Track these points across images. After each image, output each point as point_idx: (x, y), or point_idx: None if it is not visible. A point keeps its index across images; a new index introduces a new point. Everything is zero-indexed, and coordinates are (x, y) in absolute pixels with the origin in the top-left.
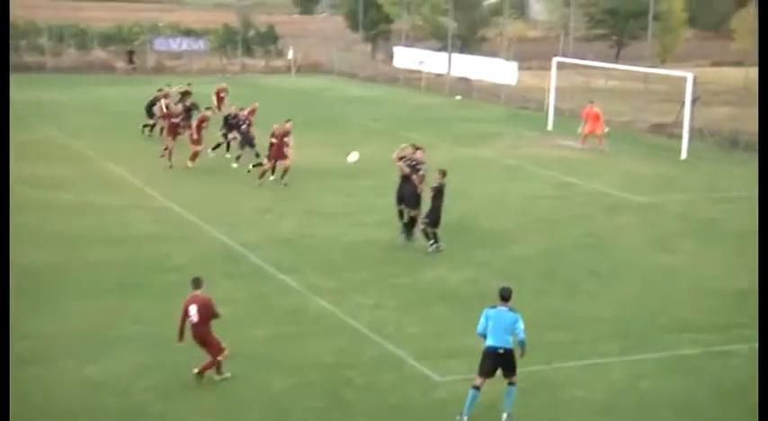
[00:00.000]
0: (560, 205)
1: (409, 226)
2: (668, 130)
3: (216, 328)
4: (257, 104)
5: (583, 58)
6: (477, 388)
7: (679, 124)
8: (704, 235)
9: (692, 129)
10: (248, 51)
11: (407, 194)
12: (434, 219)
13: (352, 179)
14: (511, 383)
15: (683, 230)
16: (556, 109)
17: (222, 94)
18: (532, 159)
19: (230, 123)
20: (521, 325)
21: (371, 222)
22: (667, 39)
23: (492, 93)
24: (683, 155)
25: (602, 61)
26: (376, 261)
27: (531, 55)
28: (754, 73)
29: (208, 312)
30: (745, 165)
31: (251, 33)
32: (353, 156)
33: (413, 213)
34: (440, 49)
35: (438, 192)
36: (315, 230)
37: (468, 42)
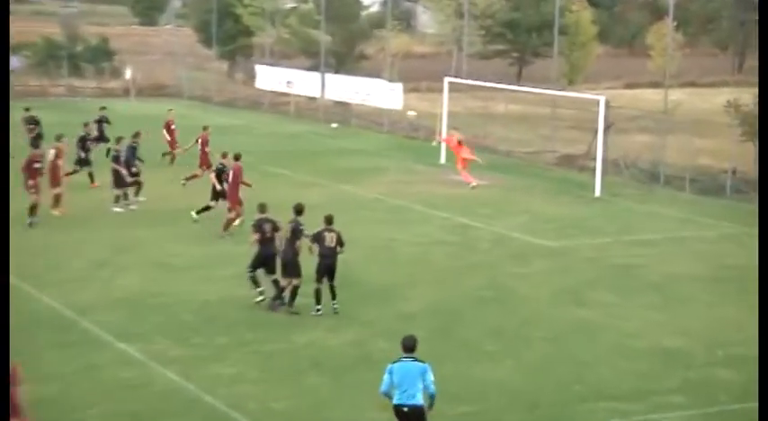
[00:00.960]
0: (457, 252)
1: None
2: (579, 163)
3: (38, 409)
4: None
5: (479, 79)
6: None
7: (591, 155)
8: (621, 285)
9: (605, 162)
10: (76, 70)
11: (289, 261)
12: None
13: (207, 224)
14: None
15: (598, 279)
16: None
17: (173, 126)
18: (424, 198)
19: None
20: (430, 376)
21: (229, 276)
22: (575, 56)
23: (374, 119)
24: (597, 191)
25: (501, 82)
26: (236, 323)
27: (419, 74)
28: (673, 95)
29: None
30: (666, 203)
31: (79, 48)
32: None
33: (296, 282)
34: (311, 68)
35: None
36: (162, 287)
37: (345, 60)
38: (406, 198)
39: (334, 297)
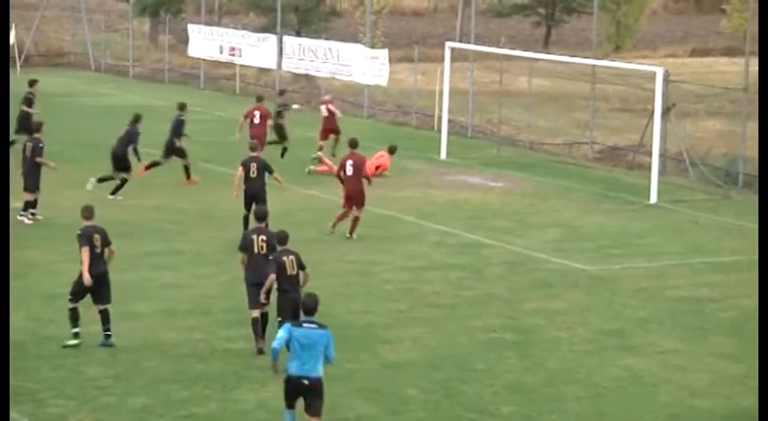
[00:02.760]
0: (462, 280)
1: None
2: (628, 158)
3: None
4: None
5: (493, 44)
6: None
7: (645, 148)
8: (686, 324)
9: (664, 156)
10: None
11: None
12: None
13: (122, 242)
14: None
15: (654, 317)
16: (453, 125)
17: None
18: (418, 207)
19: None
20: (332, 343)
21: (151, 313)
22: (623, 13)
23: (350, 99)
24: (653, 197)
25: (523, 49)
26: (161, 377)
27: (411, 38)
28: (754, 65)
29: None
30: (748, 212)
31: None
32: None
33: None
34: (264, 29)
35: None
36: (55, 328)
37: (310, 18)
38: (393, 206)
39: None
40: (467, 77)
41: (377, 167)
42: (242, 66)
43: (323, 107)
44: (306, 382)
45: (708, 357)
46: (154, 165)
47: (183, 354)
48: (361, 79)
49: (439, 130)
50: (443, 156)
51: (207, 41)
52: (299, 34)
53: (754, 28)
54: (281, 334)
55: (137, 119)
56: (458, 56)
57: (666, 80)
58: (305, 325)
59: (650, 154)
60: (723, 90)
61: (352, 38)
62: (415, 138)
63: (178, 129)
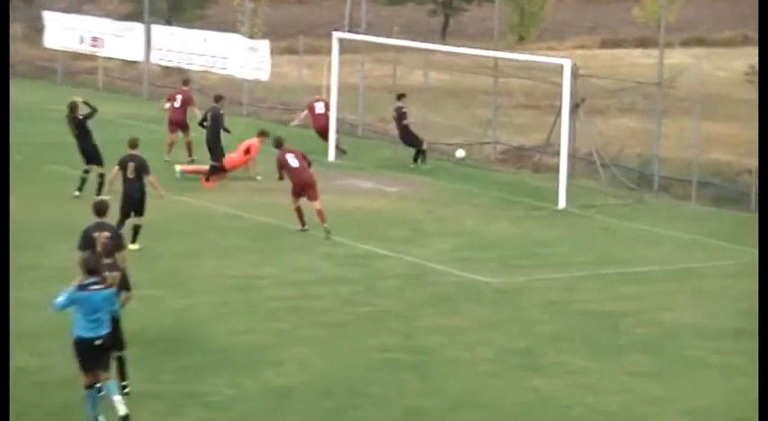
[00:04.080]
0: (355, 296)
1: None
2: (534, 160)
3: None
4: None
5: (386, 35)
6: (91, 387)
7: (552, 148)
8: (598, 341)
9: (574, 157)
10: None
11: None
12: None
13: None
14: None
15: (564, 334)
16: (342, 124)
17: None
18: (305, 214)
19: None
20: (116, 298)
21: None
22: (527, 2)
23: (227, 95)
24: (561, 201)
25: (419, 40)
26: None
27: (294, 28)
28: (671, 57)
29: None
30: (663, 218)
31: None
32: (460, 153)
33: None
34: (130, 18)
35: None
36: None
37: (182, 4)
38: (276, 214)
39: (123, 375)
40: (357, 71)
41: (246, 151)
42: (105, 58)
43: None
44: (98, 342)
45: (622, 376)
46: (215, 171)
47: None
48: (240, 73)
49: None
50: (332, 157)
51: (65, 31)
52: (169, 23)
53: (669, 17)
54: (63, 298)
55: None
56: (347, 47)
57: (575, 74)
58: (92, 288)
59: (558, 155)
60: (636, 84)
61: (230, 27)
62: (301, 138)
63: (219, 123)
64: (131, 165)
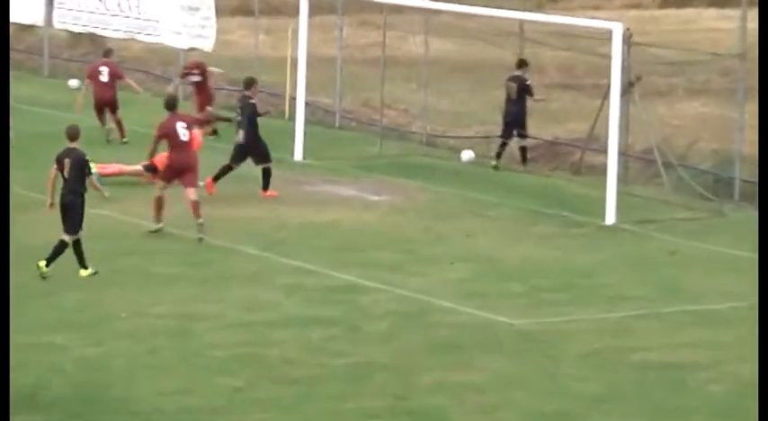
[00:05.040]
0: (330, 340)
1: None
2: (573, 158)
3: None
4: None
5: None
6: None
7: (598, 142)
8: (666, 405)
9: (627, 156)
10: None
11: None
12: None
13: None
14: None
15: (617, 394)
16: (313, 110)
17: None
18: (262, 232)
19: None
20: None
21: None
22: None
23: (156, 71)
24: (610, 215)
25: None
26: None
27: None
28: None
29: None
30: (744, 235)
31: None
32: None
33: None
34: None
35: None
36: None
37: None
38: (223, 231)
39: None
40: (334, 38)
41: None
42: None
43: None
44: None
45: None
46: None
47: None
48: (174, 41)
49: (292, 118)
50: (299, 156)
51: None
52: None
53: None
54: None
55: (250, 84)
56: (320, 5)
57: (627, 42)
58: None
59: (605, 152)
60: (711, 57)
61: None
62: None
63: (253, 114)
64: (68, 161)
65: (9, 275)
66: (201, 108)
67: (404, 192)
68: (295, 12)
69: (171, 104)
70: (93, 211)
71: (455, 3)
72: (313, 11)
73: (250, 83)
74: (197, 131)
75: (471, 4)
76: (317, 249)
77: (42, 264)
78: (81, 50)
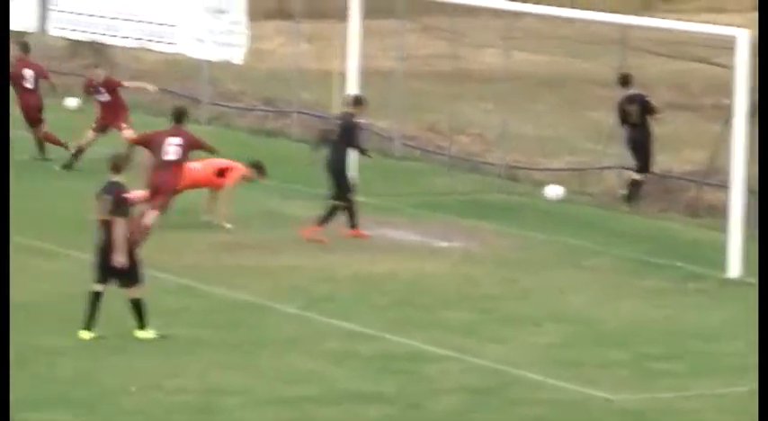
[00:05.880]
0: (385, 419)
1: None
2: (689, 194)
3: None
4: None
5: None
6: None
7: (720, 177)
8: None
9: (753, 193)
10: None
11: None
12: None
13: None
14: None
15: None
16: (366, 135)
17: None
18: (304, 286)
19: None
20: None
21: None
22: None
23: (174, 87)
24: (734, 267)
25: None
26: None
27: None
28: None
29: None
30: None
31: None
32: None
33: None
34: None
35: None
36: None
37: None
38: (258, 285)
39: None
40: (392, 48)
41: (220, 173)
42: None
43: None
44: None
45: None
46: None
47: None
48: (197, 51)
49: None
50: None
51: None
52: None
53: None
54: None
55: (357, 102)
56: (374, 7)
57: (755, 51)
58: None
59: (728, 188)
60: None
61: None
62: (299, 158)
63: (354, 139)
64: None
65: (9, 275)
66: (101, 130)
67: (478, 237)
68: (344, 14)
69: (179, 116)
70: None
71: (539, 4)
72: (366, 13)
73: (359, 101)
74: (237, 170)
75: (559, 6)
76: (372, 307)
77: (141, 333)
78: (82, 62)
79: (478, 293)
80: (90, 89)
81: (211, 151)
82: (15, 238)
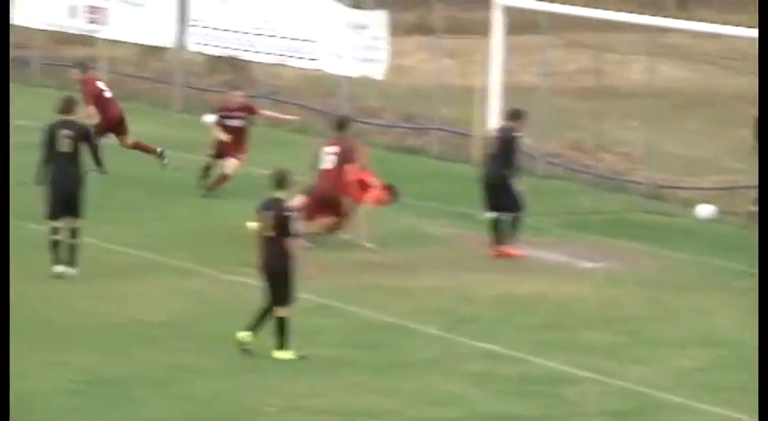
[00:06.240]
0: None
1: None
2: None
3: None
4: None
5: (587, 3)
6: None
7: None
8: None
9: None
10: None
11: None
12: None
13: None
14: None
15: None
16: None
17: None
18: (446, 307)
19: None
20: None
21: None
22: None
23: (312, 104)
24: None
25: (641, 12)
26: None
27: None
28: None
29: None
30: None
31: None
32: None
33: None
34: None
35: None
36: None
37: None
38: (398, 306)
39: None
40: (535, 64)
41: (363, 183)
42: (110, 41)
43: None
44: None
45: None
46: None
47: None
48: (336, 67)
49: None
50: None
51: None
52: None
53: None
54: None
55: (516, 116)
56: (517, 23)
57: None
58: None
59: None
60: None
61: None
62: (439, 175)
63: (513, 152)
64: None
65: (9, 274)
66: (219, 157)
67: (624, 258)
68: (486, 30)
69: (340, 125)
70: (230, 278)
71: (688, 19)
72: (510, 29)
73: (518, 114)
74: (374, 190)
75: (709, 21)
76: (514, 329)
77: (244, 335)
78: (220, 78)
79: (622, 315)
80: (224, 112)
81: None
82: (153, 256)
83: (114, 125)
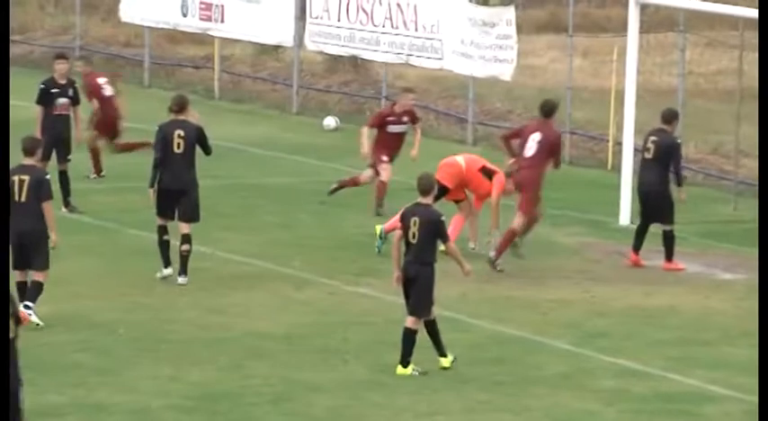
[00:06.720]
0: None
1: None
2: None
3: None
4: None
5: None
6: None
7: None
8: None
9: None
10: None
11: None
12: None
13: None
14: None
15: None
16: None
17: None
18: (576, 320)
19: None
20: None
21: None
22: None
23: (437, 106)
24: None
25: None
26: None
27: None
28: None
29: None
30: None
31: None
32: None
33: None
34: None
35: None
36: None
37: None
38: (524, 318)
39: None
40: (673, 63)
41: (488, 170)
42: (224, 40)
43: None
44: None
45: None
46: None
47: None
48: (462, 67)
49: (616, 169)
50: (625, 219)
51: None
52: None
53: None
54: None
55: (670, 118)
56: (654, 20)
57: None
58: None
59: None
60: None
61: None
62: (570, 183)
63: (676, 157)
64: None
65: (9, 274)
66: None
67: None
68: (622, 28)
69: (547, 111)
70: (352, 289)
71: None
72: (646, 27)
73: (672, 116)
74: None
75: None
76: (649, 343)
77: (445, 360)
78: (340, 78)
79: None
80: (391, 117)
81: (556, 165)
82: (270, 265)
83: (108, 126)
